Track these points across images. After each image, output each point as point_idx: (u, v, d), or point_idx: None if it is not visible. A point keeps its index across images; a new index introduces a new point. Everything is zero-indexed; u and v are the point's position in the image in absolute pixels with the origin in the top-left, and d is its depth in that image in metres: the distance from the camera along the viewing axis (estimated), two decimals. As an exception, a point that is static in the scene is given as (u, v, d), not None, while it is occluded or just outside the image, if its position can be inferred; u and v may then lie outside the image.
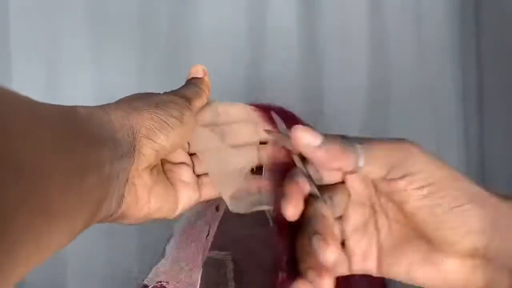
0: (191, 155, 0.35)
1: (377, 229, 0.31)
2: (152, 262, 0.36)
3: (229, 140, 0.34)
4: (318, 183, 0.30)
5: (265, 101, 0.76)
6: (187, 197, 0.33)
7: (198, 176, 0.34)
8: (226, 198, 0.33)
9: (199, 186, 0.34)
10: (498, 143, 0.81)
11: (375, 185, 0.31)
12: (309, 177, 0.30)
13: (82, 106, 0.26)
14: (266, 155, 0.34)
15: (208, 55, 0.76)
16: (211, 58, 0.76)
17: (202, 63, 0.78)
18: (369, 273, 0.31)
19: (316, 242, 0.28)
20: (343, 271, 0.32)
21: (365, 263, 0.31)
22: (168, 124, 0.29)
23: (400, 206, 0.29)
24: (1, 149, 0.18)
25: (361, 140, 0.29)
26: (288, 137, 0.30)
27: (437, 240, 0.28)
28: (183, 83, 0.36)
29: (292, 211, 0.29)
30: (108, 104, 0.29)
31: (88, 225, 0.25)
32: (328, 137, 0.28)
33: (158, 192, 0.31)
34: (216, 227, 0.36)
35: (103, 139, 0.26)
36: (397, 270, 0.30)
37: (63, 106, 0.25)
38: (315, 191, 0.30)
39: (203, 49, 0.76)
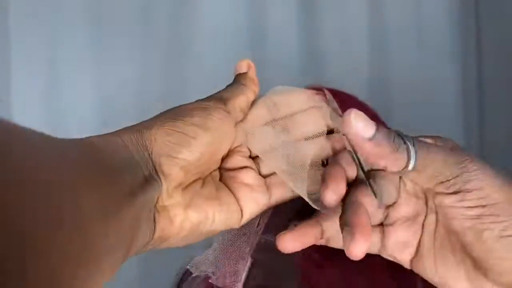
0: (253, 158, 0.31)
1: (424, 225, 0.28)
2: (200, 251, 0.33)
3: (294, 133, 0.30)
4: (368, 167, 0.27)
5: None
6: (253, 200, 0.29)
7: (265, 177, 0.30)
8: (304, 195, 0.29)
9: (268, 187, 0.30)
10: (498, 143, 0.81)
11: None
12: (357, 160, 0.27)
13: (95, 136, 0.24)
14: (336, 144, 0.31)
15: (208, 55, 0.76)
16: (211, 58, 0.76)
17: (202, 63, 0.79)
18: (400, 263, 0.29)
19: (346, 235, 0.25)
20: (373, 251, 0.29)
21: (401, 252, 0.28)
22: (188, 135, 0.26)
23: (446, 220, 0.26)
24: (42, 207, 0.16)
25: (417, 142, 0.26)
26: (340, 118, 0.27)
27: (483, 265, 0.25)
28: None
29: (330, 196, 0.26)
30: (124, 128, 0.26)
31: (126, 258, 0.23)
32: (382, 131, 0.25)
33: (201, 203, 0.27)
34: (267, 218, 0.32)
35: (122, 167, 0.23)
36: (431, 274, 0.28)
37: (79, 140, 0.23)
38: (362, 175, 0.27)
39: (203, 49, 0.76)
